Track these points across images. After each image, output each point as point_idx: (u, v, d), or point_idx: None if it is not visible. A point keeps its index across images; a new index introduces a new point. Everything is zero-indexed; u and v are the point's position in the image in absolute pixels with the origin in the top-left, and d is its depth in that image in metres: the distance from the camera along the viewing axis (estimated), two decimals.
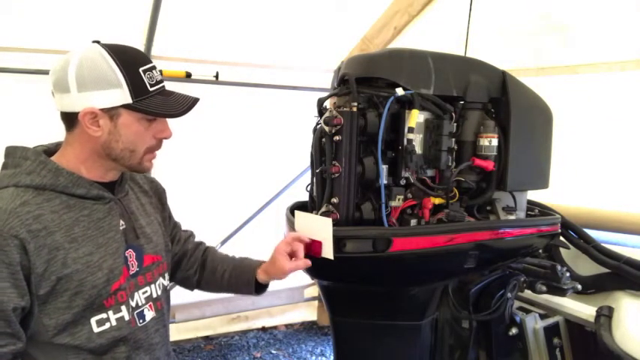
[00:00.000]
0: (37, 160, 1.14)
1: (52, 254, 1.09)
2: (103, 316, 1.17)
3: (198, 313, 3.62)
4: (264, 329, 3.94)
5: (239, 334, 3.83)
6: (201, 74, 3.01)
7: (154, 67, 1.17)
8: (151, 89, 1.14)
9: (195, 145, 3.11)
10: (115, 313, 1.19)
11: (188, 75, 2.96)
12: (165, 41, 2.81)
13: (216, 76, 3.03)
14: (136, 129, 1.16)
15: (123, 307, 1.20)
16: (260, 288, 1.51)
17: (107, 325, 1.18)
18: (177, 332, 3.56)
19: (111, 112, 1.12)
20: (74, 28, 2.46)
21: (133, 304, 1.23)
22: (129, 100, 1.11)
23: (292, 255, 1.41)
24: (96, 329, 1.16)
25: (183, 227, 1.58)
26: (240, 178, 3.36)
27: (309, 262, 1.39)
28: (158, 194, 1.44)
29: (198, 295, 3.18)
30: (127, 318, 1.21)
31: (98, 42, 1.14)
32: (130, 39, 2.61)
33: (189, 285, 1.57)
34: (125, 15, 2.63)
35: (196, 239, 1.58)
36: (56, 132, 1.20)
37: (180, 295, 3.29)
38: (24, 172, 1.12)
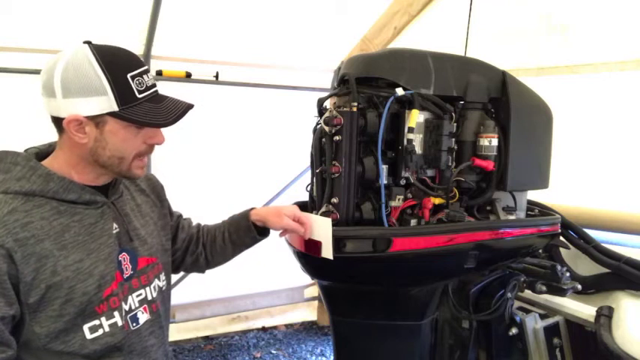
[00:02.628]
0: (27, 165, 1.11)
1: (41, 262, 1.07)
2: (96, 322, 1.15)
3: (198, 313, 3.62)
4: (264, 329, 3.94)
5: (239, 334, 3.84)
6: (201, 74, 3.01)
7: (144, 72, 1.13)
8: (139, 96, 1.10)
9: (195, 145, 3.12)
10: (107, 319, 1.17)
11: (188, 75, 2.97)
12: (165, 41, 2.81)
13: (216, 76, 3.03)
14: (124, 136, 1.12)
15: (115, 313, 1.18)
16: (262, 232, 1.49)
17: (100, 332, 1.16)
18: (177, 332, 3.56)
19: (96, 120, 1.09)
20: (74, 29, 2.47)
21: (127, 307, 1.21)
22: (115, 107, 1.08)
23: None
24: (89, 336, 1.14)
25: None
26: (240, 178, 3.36)
27: (301, 230, 1.40)
28: (156, 192, 1.42)
29: (199, 295, 3.18)
30: (120, 323, 1.19)
31: (89, 42, 1.10)
32: (130, 39, 2.63)
33: (199, 266, 1.56)
34: (125, 15, 2.62)
35: (193, 222, 1.59)
36: (54, 133, 1.19)
37: (180, 295, 3.32)
38: (14, 178, 1.10)
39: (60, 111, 1.09)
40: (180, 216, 1.53)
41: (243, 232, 1.48)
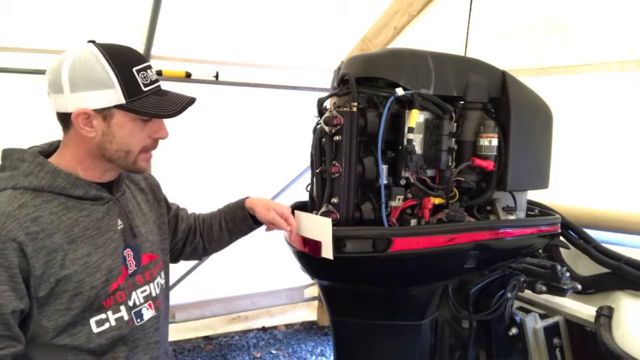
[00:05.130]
0: (35, 161, 1.13)
1: (51, 256, 1.08)
2: (103, 316, 1.17)
3: (198, 313, 3.62)
4: (264, 329, 3.94)
5: (239, 334, 3.84)
6: (201, 74, 3.01)
7: (148, 67, 1.16)
8: (144, 89, 1.13)
9: (195, 145, 3.12)
10: (114, 313, 1.19)
11: (188, 75, 2.96)
12: (165, 41, 2.82)
13: (216, 76, 3.03)
14: (130, 129, 1.15)
15: (122, 307, 1.20)
16: (257, 220, 1.52)
17: (106, 326, 1.18)
18: (178, 332, 3.56)
19: (104, 113, 1.12)
20: (74, 28, 2.46)
21: (131, 303, 1.23)
22: (122, 100, 1.10)
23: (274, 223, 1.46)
24: (95, 329, 1.16)
25: None
26: (240, 178, 3.36)
27: (287, 228, 1.42)
28: (153, 191, 1.44)
29: (198, 295, 3.20)
30: (125, 318, 1.21)
31: (93, 42, 1.13)
32: (130, 39, 2.62)
33: (198, 254, 1.60)
34: (125, 15, 2.63)
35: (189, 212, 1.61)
36: (55, 132, 1.20)
37: (180, 295, 3.32)
38: (22, 175, 1.11)
39: (67, 106, 1.11)
40: (178, 207, 1.56)
41: (239, 220, 1.52)
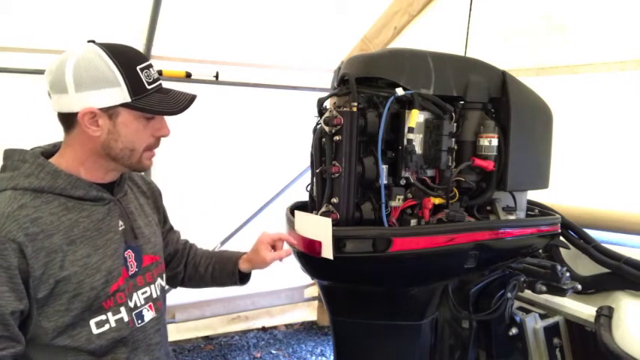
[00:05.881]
0: (35, 162, 1.13)
1: (50, 257, 1.08)
2: (102, 317, 1.17)
3: (198, 313, 3.62)
4: (264, 329, 3.94)
5: (239, 334, 3.84)
6: (201, 74, 3.01)
7: (150, 66, 1.16)
8: (148, 87, 1.14)
9: (195, 145, 3.12)
10: (114, 315, 1.19)
11: (188, 75, 2.97)
12: (165, 41, 2.82)
13: (216, 76, 3.03)
14: (135, 127, 1.15)
15: (122, 309, 1.20)
16: (244, 277, 1.53)
17: (106, 327, 1.18)
18: (177, 332, 3.56)
19: (110, 112, 1.12)
20: (74, 28, 2.46)
21: (132, 304, 1.23)
22: (127, 98, 1.11)
23: (274, 248, 1.47)
24: (95, 331, 1.16)
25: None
26: (241, 178, 3.36)
27: (290, 251, 1.44)
28: (154, 196, 1.44)
29: (199, 295, 3.20)
30: (125, 319, 1.21)
31: (93, 41, 1.14)
32: (130, 39, 2.62)
33: (174, 283, 1.59)
34: (125, 15, 2.63)
35: (182, 237, 1.60)
36: (56, 132, 1.20)
37: (180, 295, 3.32)
38: (22, 175, 1.11)
39: (72, 106, 1.11)
40: (170, 230, 1.55)
41: (226, 275, 1.52)
